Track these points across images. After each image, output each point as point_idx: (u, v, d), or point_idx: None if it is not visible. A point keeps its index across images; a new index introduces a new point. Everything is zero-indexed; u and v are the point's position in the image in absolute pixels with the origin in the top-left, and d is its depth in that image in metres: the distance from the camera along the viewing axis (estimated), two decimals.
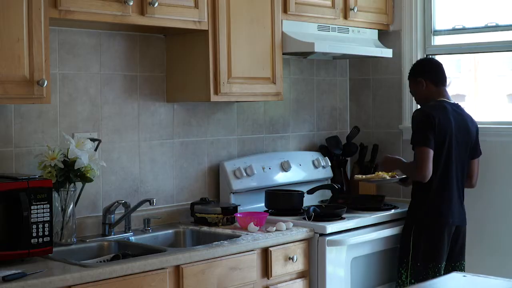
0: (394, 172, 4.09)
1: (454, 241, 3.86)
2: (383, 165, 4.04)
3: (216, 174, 4.04)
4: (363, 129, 4.68)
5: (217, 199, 4.00)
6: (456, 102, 3.99)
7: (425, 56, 4.50)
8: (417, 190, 3.88)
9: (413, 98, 4.13)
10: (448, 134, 3.80)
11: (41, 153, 3.21)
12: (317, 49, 3.90)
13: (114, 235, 3.45)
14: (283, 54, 3.94)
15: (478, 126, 4.14)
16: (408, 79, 4.07)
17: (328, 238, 3.65)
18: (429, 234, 3.79)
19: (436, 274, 3.74)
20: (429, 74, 3.97)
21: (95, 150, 3.37)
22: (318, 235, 3.66)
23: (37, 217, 2.86)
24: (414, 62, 4.34)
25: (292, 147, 4.51)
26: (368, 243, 3.86)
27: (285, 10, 3.92)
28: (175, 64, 3.76)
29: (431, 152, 3.74)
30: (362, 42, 4.37)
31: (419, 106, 4.21)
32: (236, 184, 3.97)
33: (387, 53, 4.37)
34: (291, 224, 3.67)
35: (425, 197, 3.82)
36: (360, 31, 4.39)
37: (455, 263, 3.88)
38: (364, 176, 4.09)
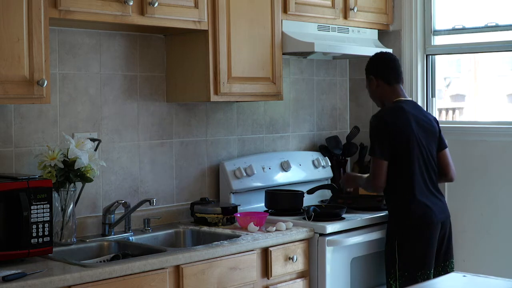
0: None
1: (441, 239, 3.73)
2: (344, 183, 4.00)
3: (216, 174, 4.04)
4: (363, 129, 4.67)
5: (217, 199, 4.01)
6: (410, 99, 3.92)
7: (424, 56, 4.50)
8: (391, 197, 3.75)
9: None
10: (408, 135, 3.68)
11: (41, 153, 3.21)
12: (317, 49, 3.90)
13: (114, 235, 3.45)
14: (283, 54, 3.94)
15: (478, 126, 4.14)
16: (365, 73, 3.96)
17: (328, 238, 3.65)
18: (414, 241, 3.65)
19: (425, 281, 3.59)
20: (380, 72, 3.83)
21: (95, 150, 3.37)
22: (318, 235, 3.66)
23: (37, 217, 2.86)
24: (414, 62, 4.34)
25: (292, 147, 4.51)
26: (368, 243, 3.86)
27: (285, 10, 3.93)
28: (175, 64, 3.76)
29: (385, 163, 3.65)
30: (362, 42, 4.37)
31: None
32: (236, 184, 3.97)
33: None
34: (291, 224, 3.67)
35: (403, 203, 3.69)
36: (360, 31, 4.39)
37: (445, 263, 3.78)
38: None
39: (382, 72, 3.83)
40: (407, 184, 3.69)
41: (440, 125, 3.90)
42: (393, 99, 3.81)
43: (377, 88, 3.84)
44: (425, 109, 4.36)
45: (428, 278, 3.64)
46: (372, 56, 3.94)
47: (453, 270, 3.79)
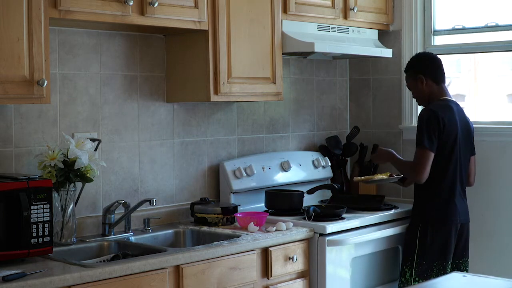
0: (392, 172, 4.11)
1: (459, 239, 3.86)
2: (377, 158, 4.04)
3: (216, 174, 4.04)
4: (363, 129, 4.68)
5: (217, 199, 4.00)
6: (454, 100, 3.99)
7: None
8: (424, 189, 3.85)
9: (412, 94, 4.06)
10: (455, 134, 3.80)
11: (41, 153, 3.21)
12: (317, 49, 3.90)
13: (114, 235, 3.45)
14: (283, 54, 3.94)
15: (478, 126, 4.16)
16: (406, 72, 4.03)
17: (328, 238, 3.65)
18: (436, 233, 3.78)
19: (441, 272, 3.74)
20: (429, 71, 3.92)
21: (95, 150, 3.37)
22: (318, 235, 3.66)
23: (37, 217, 2.86)
24: None
25: (292, 147, 4.51)
26: (368, 243, 3.86)
27: (285, 10, 3.93)
28: (175, 64, 3.76)
29: (432, 155, 3.75)
30: (362, 42, 4.37)
31: (419, 106, 4.22)
32: (236, 184, 3.97)
33: (387, 53, 4.37)
34: (291, 224, 3.67)
35: (433, 196, 3.82)
36: (360, 31, 4.39)
37: (459, 260, 3.89)
38: (363, 178, 4.10)
39: (432, 71, 3.92)
40: (444, 182, 3.81)
41: None
42: (439, 98, 3.90)
43: (426, 87, 3.92)
44: None
45: (443, 269, 3.77)
46: (418, 55, 4.06)
47: (468, 269, 3.91)
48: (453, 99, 3.98)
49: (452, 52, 4.50)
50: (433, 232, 3.79)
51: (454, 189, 3.82)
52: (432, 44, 4.51)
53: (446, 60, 4.59)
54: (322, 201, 4.27)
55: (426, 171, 3.75)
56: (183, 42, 3.70)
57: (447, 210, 3.81)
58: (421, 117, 3.82)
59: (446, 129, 3.77)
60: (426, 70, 3.91)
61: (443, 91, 3.93)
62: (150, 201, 3.48)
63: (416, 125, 3.89)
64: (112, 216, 3.47)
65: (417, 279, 3.77)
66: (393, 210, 4.10)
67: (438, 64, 3.95)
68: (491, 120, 4.38)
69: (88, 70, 3.50)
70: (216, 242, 3.32)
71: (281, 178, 4.22)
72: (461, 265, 3.89)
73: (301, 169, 4.34)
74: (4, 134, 3.20)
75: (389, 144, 4.62)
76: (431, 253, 3.78)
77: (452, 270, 3.81)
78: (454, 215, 3.81)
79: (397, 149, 4.57)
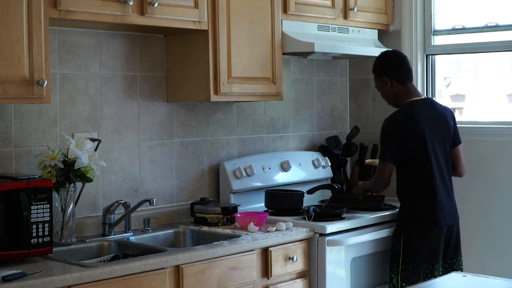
0: None
1: (448, 240, 3.78)
2: (358, 194, 4.06)
3: (216, 174, 4.04)
4: (363, 129, 4.68)
5: (217, 199, 4.01)
6: (425, 97, 3.92)
7: (424, 56, 4.50)
8: (404, 194, 3.80)
9: (380, 94, 3.98)
10: (422, 136, 3.70)
11: (41, 153, 3.21)
12: (317, 49, 3.90)
13: (114, 235, 3.46)
14: (283, 54, 3.94)
15: (478, 126, 4.14)
16: (373, 72, 3.96)
17: (328, 238, 3.65)
18: (420, 238, 3.70)
19: (428, 276, 3.67)
20: (393, 73, 3.83)
21: (95, 150, 3.37)
22: (318, 235, 3.66)
23: (37, 217, 2.86)
24: (414, 62, 4.34)
25: (292, 147, 4.51)
26: (368, 243, 3.86)
27: (285, 10, 3.93)
28: (175, 64, 3.76)
29: (392, 167, 3.73)
30: (362, 42, 4.37)
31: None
32: (236, 184, 3.97)
33: None
34: (291, 224, 3.67)
35: (414, 202, 3.76)
36: (360, 31, 4.39)
37: (452, 260, 3.82)
38: (372, 160, 4.11)
39: (396, 72, 3.84)
40: (424, 187, 3.74)
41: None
42: (406, 99, 3.82)
43: (391, 88, 3.85)
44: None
45: (431, 272, 3.70)
46: (381, 55, 3.96)
47: (462, 267, 3.86)
48: (423, 96, 3.90)
49: (452, 52, 4.51)
50: (417, 238, 3.71)
51: (436, 192, 3.72)
52: (432, 44, 4.51)
53: (446, 60, 4.60)
54: (322, 201, 4.27)
55: (384, 182, 3.76)
56: (183, 42, 3.70)
57: (430, 214, 3.71)
58: (382, 128, 3.77)
59: (409, 136, 3.69)
60: (389, 71, 3.84)
61: (409, 91, 3.83)
62: (150, 201, 3.48)
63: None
64: (112, 216, 3.47)
65: (404, 284, 3.70)
66: (393, 210, 4.09)
67: (402, 64, 3.86)
68: (491, 120, 4.39)
69: (88, 70, 3.50)
70: (216, 242, 3.32)
71: (281, 178, 4.22)
72: (454, 264, 3.82)
73: (301, 169, 4.34)
74: (4, 134, 3.20)
75: None
76: (416, 258, 3.70)
77: (445, 270, 3.74)
78: (438, 219, 3.71)
79: None
